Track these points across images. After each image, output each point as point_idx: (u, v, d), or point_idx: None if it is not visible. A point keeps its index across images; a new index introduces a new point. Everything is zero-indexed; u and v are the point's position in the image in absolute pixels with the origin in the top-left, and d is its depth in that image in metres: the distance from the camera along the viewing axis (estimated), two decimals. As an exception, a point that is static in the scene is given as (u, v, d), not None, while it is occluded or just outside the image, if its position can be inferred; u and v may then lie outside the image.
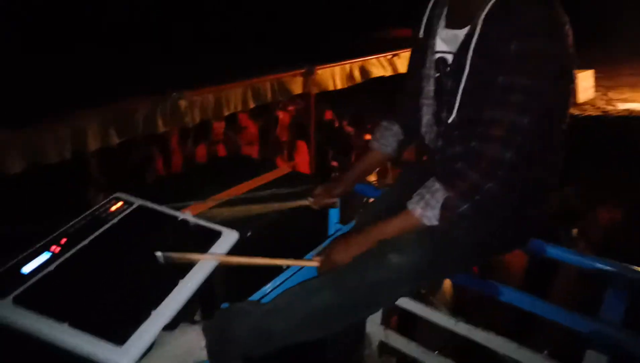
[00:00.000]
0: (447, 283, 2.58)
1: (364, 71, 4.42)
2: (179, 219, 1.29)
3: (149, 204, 1.33)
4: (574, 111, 7.02)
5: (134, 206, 1.31)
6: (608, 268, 1.19)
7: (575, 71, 1.06)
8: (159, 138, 4.15)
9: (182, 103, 3.10)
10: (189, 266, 1.12)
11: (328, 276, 1.14)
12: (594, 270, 1.23)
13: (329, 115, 6.12)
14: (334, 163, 5.07)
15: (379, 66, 4.53)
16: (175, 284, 1.07)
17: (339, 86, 4.24)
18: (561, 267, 3.14)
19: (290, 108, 5.85)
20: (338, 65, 4.15)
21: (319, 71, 3.96)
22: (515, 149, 1.00)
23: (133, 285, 1.08)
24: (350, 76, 4.31)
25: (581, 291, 2.64)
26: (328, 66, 4.07)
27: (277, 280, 1.36)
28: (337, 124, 5.98)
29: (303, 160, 4.67)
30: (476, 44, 1.04)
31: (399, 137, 1.43)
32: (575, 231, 4.73)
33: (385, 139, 1.44)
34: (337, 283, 1.11)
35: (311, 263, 1.24)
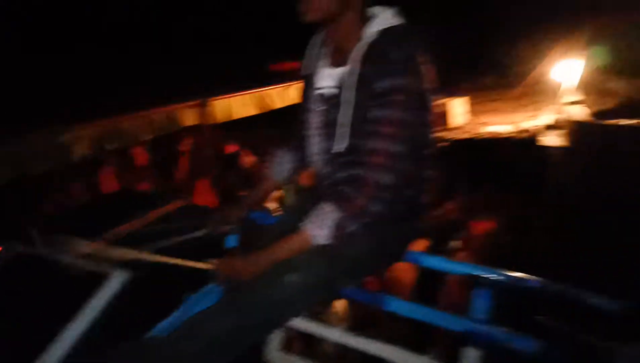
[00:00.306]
0: (341, 300, 2.69)
1: (259, 101, 4.53)
2: (64, 263, 1.22)
3: (32, 250, 1.24)
4: (450, 135, 7.84)
5: (16, 253, 1.22)
6: (473, 271, 1.37)
7: (434, 103, 1.24)
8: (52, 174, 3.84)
9: (67, 137, 2.93)
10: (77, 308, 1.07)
11: (227, 299, 1.18)
12: (463, 275, 1.40)
13: (232, 147, 6.12)
14: (242, 194, 5.07)
15: (274, 97, 4.68)
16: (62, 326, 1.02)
17: (234, 117, 4.29)
18: (446, 276, 3.47)
19: (190, 140, 5.75)
20: (233, 96, 4.21)
21: (214, 103, 3.99)
22: (394, 174, 1.14)
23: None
24: (246, 106, 4.39)
25: (462, 295, 2.94)
26: (223, 97, 4.12)
27: (178, 312, 1.34)
28: (239, 155, 6.00)
29: (204, 193, 4.60)
30: (357, 81, 1.18)
31: (293, 164, 1.54)
32: (456, 242, 5.24)
33: (279, 166, 1.54)
34: (236, 306, 1.16)
35: (209, 266, 1.26)
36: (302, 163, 1.52)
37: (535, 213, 6.14)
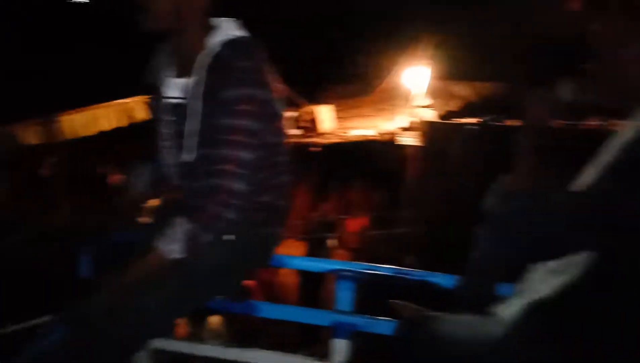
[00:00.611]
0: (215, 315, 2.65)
1: (115, 115, 4.24)
2: None
3: None
4: (320, 140, 8.19)
5: None
6: (335, 267, 1.46)
7: (282, 110, 1.29)
8: None
9: None
10: None
11: (74, 334, 1.07)
12: (327, 271, 1.48)
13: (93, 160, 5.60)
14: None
15: (129, 111, 4.41)
16: None
17: (90, 132, 3.95)
18: (325, 275, 3.63)
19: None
20: (80, 111, 3.88)
21: (63, 118, 3.62)
22: (244, 180, 1.17)
23: None
24: (100, 121, 4.07)
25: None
26: (73, 112, 3.76)
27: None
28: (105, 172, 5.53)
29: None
30: (204, 91, 1.19)
31: (152, 176, 1.49)
32: (332, 241, 5.51)
33: (137, 182, 1.49)
34: (90, 332, 1.07)
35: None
36: (161, 176, 1.47)
37: (396, 207, 6.73)
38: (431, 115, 7.20)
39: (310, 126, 8.66)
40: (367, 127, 8.59)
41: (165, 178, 1.48)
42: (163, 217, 1.33)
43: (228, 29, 1.22)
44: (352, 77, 11.41)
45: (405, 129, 7.47)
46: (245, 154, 1.17)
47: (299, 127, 8.51)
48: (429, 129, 6.50)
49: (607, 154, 0.89)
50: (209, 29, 1.22)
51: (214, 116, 1.18)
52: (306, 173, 7.21)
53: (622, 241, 0.80)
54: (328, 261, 1.49)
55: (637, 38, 0.83)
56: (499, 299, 1.06)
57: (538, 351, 0.89)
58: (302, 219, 6.85)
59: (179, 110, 1.26)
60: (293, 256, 1.51)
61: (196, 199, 1.22)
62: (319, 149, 7.80)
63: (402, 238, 6.10)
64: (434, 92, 8.70)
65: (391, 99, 9.63)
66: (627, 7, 0.83)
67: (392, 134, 7.87)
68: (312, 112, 8.68)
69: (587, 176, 0.93)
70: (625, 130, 0.88)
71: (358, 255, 6.11)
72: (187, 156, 1.24)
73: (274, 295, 4.35)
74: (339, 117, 9.21)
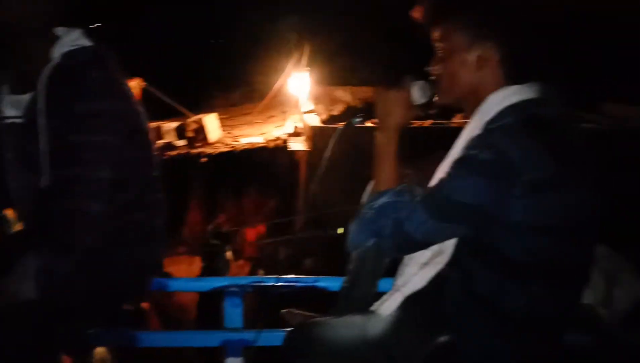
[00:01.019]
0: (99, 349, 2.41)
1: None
2: None
3: None
4: (210, 150, 7.95)
5: None
6: (221, 283, 1.40)
7: (147, 122, 1.20)
8: None
9: None
10: None
11: None
12: (212, 289, 1.42)
13: None
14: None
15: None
16: None
17: None
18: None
19: None
20: None
21: None
22: (100, 201, 1.05)
23: None
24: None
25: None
26: None
27: None
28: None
29: None
30: (47, 107, 1.06)
31: None
32: (228, 254, 5.37)
33: None
34: None
35: None
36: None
37: (291, 212, 6.80)
38: (315, 120, 7.40)
39: (196, 136, 8.36)
40: (255, 134, 8.55)
41: (14, 203, 1.30)
42: (12, 250, 1.16)
43: (71, 39, 1.10)
44: (238, 84, 11.31)
45: (292, 134, 7.57)
46: (101, 173, 1.06)
47: (184, 138, 8.17)
48: (313, 134, 6.68)
49: (456, 150, 0.97)
50: (53, 39, 1.09)
51: (62, 133, 1.05)
52: (195, 185, 6.95)
53: (473, 232, 0.88)
54: (213, 279, 1.43)
55: (464, 49, 0.93)
56: (380, 296, 1.09)
57: (416, 342, 0.94)
58: (195, 233, 6.58)
59: (21, 129, 1.12)
60: (175, 278, 1.42)
61: (49, 225, 1.07)
62: (206, 159, 7.56)
63: (299, 242, 6.16)
64: (318, 98, 8.97)
65: (280, 106, 9.73)
66: (459, 23, 0.94)
67: (281, 140, 7.93)
68: (197, 122, 8.39)
69: (441, 172, 1.00)
70: (468, 128, 0.97)
71: (258, 263, 6.05)
72: (36, 179, 1.09)
73: (171, 316, 4.10)
74: (227, 126, 9.04)
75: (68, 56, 1.07)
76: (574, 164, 0.89)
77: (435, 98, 1.04)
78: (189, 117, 8.32)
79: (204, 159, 7.51)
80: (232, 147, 7.92)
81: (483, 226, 0.87)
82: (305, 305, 1.34)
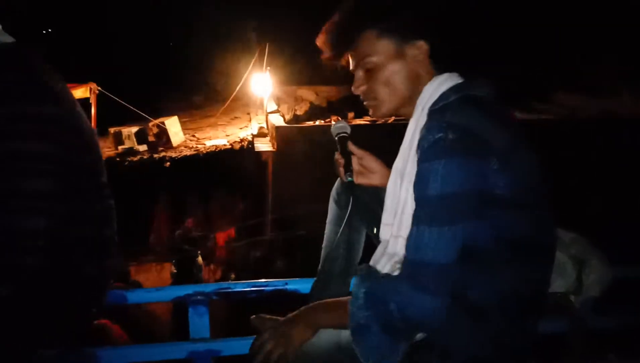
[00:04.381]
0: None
1: None
2: None
3: None
4: (174, 153, 7.76)
5: None
6: (184, 292, 1.32)
7: (88, 125, 1.10)
8: None
9: None
10: None
11: None
12: (176, 298, 1.34)
13: None
14: None
15: None
16: None
17: None
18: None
19: None
20: None
21: None
22: (43, 215, 0.95)
23: None
24: None
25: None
26: None
27: None
28: None
29: None
30: None
31: None
32: (199, 259, 5.24)
33: None
34: None
35: None
36: None
37: (259, 213, 6.71)
38: (280, 120, 7.33)
39: (158, 140, 8.14)
40: (219, 136, 8.40)
41: None
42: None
43: None
44: (200, 86, 11.10)
45: (257, 135, 7.47)
46: (38, 183, 0.95)
47: (145, 143, 7.93)
48: (278, 134, 6.61)
49: (406, 144, 0.97)
50: None
51: None
52: (160, 190, 6.75)
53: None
54: (175, 288, 1.35)
55: (394, 54, 0.94)
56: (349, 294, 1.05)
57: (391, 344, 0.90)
58: (162, 240, 6.39)
59: None
60: (133, 289, 1.33)
61: None
62: (172, 162, 7.37)
63: (270, 243, 6.08)
64: (281, 98, 8.91)
65: (243, 107, 9.61)
66: (383, 29, 0.94)
67: (246, 141, 7.82)
68: (159, 126, 8.17)
69: (396, 162, 1.00)
70: (412, 121, 0.97)
71: (229, 267, 5.92)
72: None
73: (142, 328, 3.94)
74: (190, 129, 8.85)
75: None
76: (519, 136, 0.89)
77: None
78: (149, 121, 8.08)
79: (167, 164, 7.31)
80: (197, 150, 7.75)
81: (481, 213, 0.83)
82: (276, 310, 1.29)
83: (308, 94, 9.74)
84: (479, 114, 0.85)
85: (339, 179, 1.26)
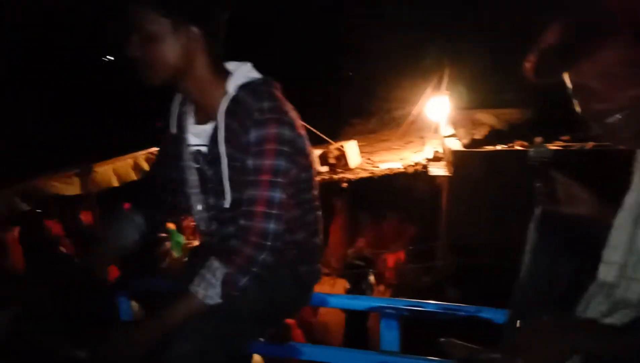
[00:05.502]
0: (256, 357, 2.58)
1: (149, 163, 4.35)
2: None
3: None
4: (351, 175, 8.19)
5: None
6: (377, 304, 1.40)
7: (309, 146, 1.27)
8: None
9: None
10: None
11: None
12: (369, 309, 1.42)
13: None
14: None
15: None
16: None
17: (125, 180, 4.05)
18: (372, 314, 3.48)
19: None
20: (119, 159, 3.99)
21: (98, 169, 3.73)
22: (275, 220, 1.14)
23: None
24: (135, 169, 4.17)
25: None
26: (108, 162, 3.88)
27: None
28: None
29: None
30: (226, 135, 1.19)
31: (140, 228, 1.38)
32: (372, 278, 5.38)
33: (125, 231, 1.36)
34: None
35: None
36: (151, 226, 1.40)
37: (431, 238, 6.57)
38: (457, 144, 7.11)
39: (337, 163, 8.68)
40: (395, 160, 8.56)
41: (158, 228, 1.46)
42: (196, 263, 1.31)
43: (243, 72, 1.22)
44: (376, 111, 11.57)
45: (432, 159, 7.39)
46: (276, 194, 1.15)
47: (326, 164, 8.55)
48: (454, 159, 6.41)
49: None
50: (225, 73, 1.23)
51: (240, 158, 1.17)
52: (336, 209, 7.18)
53: None
54: (370, 299, 1.44)
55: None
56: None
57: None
58: (336, 255, 6.76)
59: (202, 156, 1.27)
60: (334, 294, 1.46)
61: (228, 243, 1.21)
62: (347, 185, 7.78)
63: (441, 270, 5.91)
64: (458, 122, 8.65)
65: (418, 131, 9.64)
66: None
67: (420, 165, 7.80)
68: (338, 149, 8.74)
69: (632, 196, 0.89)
70: None
71: (398, 290, 5.94)
72: (217, 201, 1.24)
73: (315, 335, 4.22)
74: (366, 152, 9.24)
75: (244, 87, 1.19)
76: None
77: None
78: (331, 144, 8.71)
79: (344, 185, 7.74)
80: (372, 173, 8.04)
81: None
82: (464, 335, 1.26)
83: (487, 117, 9.26)
84: None
85: (539, 207, 1.20)
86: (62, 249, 3.95)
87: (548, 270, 1.19)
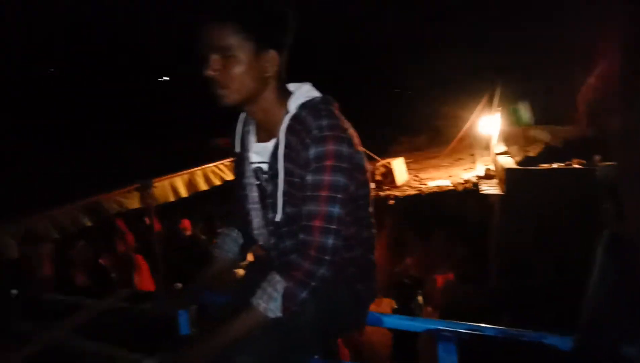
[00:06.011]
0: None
1: (205, 178, 4.51)
2: None
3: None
4: (398, 192, 8.11)
5: None
6: (434, 326, 1.37)
7: (367, 163, 1.29)
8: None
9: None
10: None
11: None
12: (425, 331, 1.40)
13: (185, 224, 5.93)
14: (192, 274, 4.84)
15: (218, 174, 4.68)
16: None
17: (182, 195, 4.22)
18: (420, 335, 3.39)
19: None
20: (177, 175, 4.17)
21: (157, 184, 3.91)
22: (334, 235, 1.16)
23: None
24: (191, 184, 4.34)
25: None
26: (166, 177, 4.06)
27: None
28: (189, 233, 5.81)
29: (145, 277, 4.36)
30: (286, 153, 1.23)
31: (239, 241, 1.49)
32: (420, 298, 5.25)
33: (226, 245, 1.49)
34: None
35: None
36: (248, 238, 1.49)
37: (481, 259, 6.33)
38: (509, 161, 6.88)
39: (384, 179, 8.63)
40: (444, 177, 8.41)
41: (252, 240, 1.51)
42: (255, 277, 1.35)
43: (303, 92, 1.26)
44: (424, 128, 11.46)
45: (483, 177, 7.18)
46: (335, 209, 1.16)
47: (373, 181, 8.53)
48: (507, 177, 6.19)
49: None
50: (287, 93, 1.27)
51: (299, 174, 1.19)
52: (382, 227, 7.11)
53: None
54: (427, 320, 1.41)
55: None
56: (625, 360, 0.93)
57: None
58: (383, 274, 6.67)
59: (264, 173, 1.30)
60: (388, 314, 1.44)
61: (287, 258, 1.23)
62: (393, 202, 7.70)
63: (493, 293, 5.67)
64: (510, 139, 8.40)
65: (468, 149, 9.44)
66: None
67: (470, 183, 7.61)
68: (384, 166, 8.69)
69: None
70: None
71: (447, 312, 5.75)
72: (275, 216, 1.26)
73: (361, 355, 4.15)
74: (413, 169, 9.14)
75: (304, 106, 1.23)
76: None
77: None
78: (377, 161, 8.69)
79: (391, 202, 7.67)
80: (419, 190, 7.93)
81: None
82: (526, 363, 1.22)
83: (541, 134, 8.92)
84: None
85: (608, 229, 1.15)
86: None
87: (616, 293, 1.14)
